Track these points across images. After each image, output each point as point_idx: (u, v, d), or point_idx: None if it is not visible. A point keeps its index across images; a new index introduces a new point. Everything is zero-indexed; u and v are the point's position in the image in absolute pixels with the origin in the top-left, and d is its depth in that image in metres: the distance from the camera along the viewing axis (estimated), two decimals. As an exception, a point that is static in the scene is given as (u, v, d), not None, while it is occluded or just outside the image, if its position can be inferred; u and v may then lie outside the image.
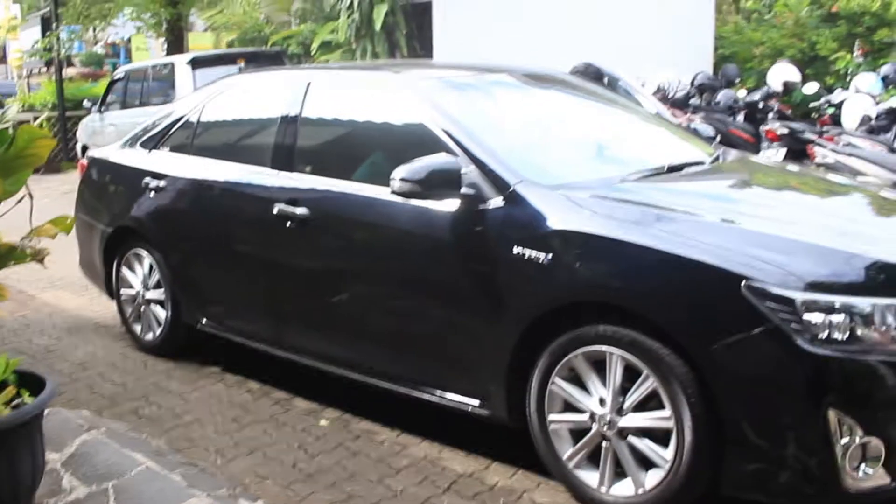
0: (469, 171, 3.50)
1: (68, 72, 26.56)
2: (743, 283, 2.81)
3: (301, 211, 4.10)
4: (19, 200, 3.62)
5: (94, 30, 26.63)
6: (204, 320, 4.85)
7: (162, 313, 5.11)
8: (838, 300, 2.78)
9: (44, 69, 23.77)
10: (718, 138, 7.59)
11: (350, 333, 4.10)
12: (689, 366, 2.91)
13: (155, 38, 18.84)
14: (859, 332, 2.77)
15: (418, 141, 3.78)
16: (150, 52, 22.76)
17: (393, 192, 3.57)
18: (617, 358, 3.07)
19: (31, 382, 3.09)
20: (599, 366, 3.15)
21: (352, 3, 11.10)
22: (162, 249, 4.98)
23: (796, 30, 13.38)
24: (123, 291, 5.39)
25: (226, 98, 4.98)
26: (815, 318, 2.76)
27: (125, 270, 5.33)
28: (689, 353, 2.91)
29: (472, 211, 3.48)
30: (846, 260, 2.98)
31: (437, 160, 3.51)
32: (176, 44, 16.63)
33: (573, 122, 4.39)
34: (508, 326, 3.35)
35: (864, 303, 2.79)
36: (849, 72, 12.49)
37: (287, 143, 4.38)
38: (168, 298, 5.03)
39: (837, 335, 2.76)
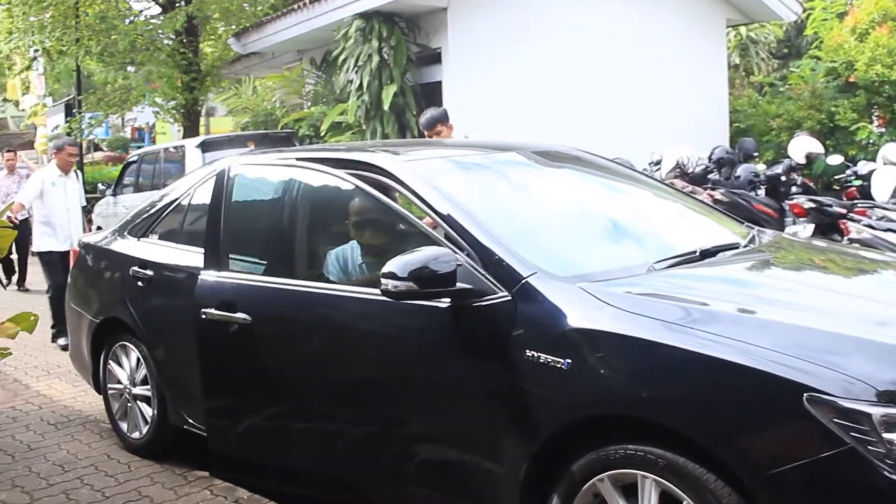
0: (467, 263, 3.06)
1: (95, 156, 26.96)
2: (805, 395, 2.31)
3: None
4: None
5: (122, 116, 27.11)
6: (190, 420, 4.49)
7: (149, 411, 4.80)
8: None
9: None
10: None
11: (348, 452, 3.59)
12: (741, 496, 2.41)
13: (172, 123, 19.03)
14: None
15: (409, 231, 3.41)
16: (173, 136, 22.98)
17: (385, 293, 3.08)
18: (651, 484, 2.58)
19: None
20: (631, 490, 2.64)
21: (361, 84, 11.04)
22: (148, 343, 4.67)
23: (813, 101, 13.10)
24: (110, 386, 5.10)
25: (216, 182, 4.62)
26: None
27: (112, 364, 5.05)
28: (742, 481, 2.40)
29: (472, 308, 3.02)
30: None
31: (430, 253, 3.01)
32: (192, 128, 16.74)
33: (590, 203, 3.94)
34: (520, 444, 2.86)
35: None
36: (870, 142, 12.19)
37: (278, 233, 4.04)
38: (154, 395, 4.71)
39: None
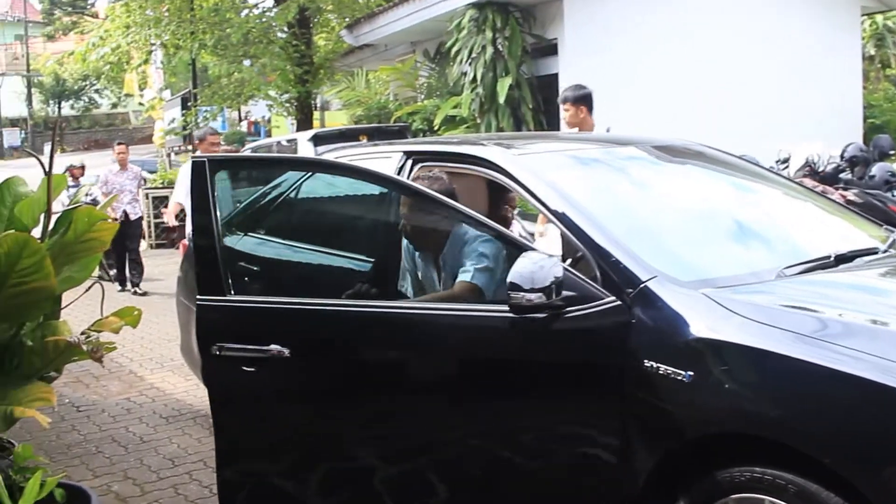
0: (564, 268, 2.80)
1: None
2: None
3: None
4: (88, 288, 3.37)
5: (239, 109, 27.87)
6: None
7: (254, 407, 4.73)
8: None
9: (186, 147, 24.89)
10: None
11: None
12: None
13: (285, 116, 19.39)
14: None
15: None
16: (288, 130, 23.53)
17: (517, 309, 2.76)
18: None
19: (77, 497, 2.84)
20: None
21: (475, 76, 10.93)
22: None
23: (957, 94, 12.43)
24: (219, 381, 5.07)
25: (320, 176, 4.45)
26: None
27: (220, 359, 5.01)
28: None
29: (579, 316, 2.76)
30: None
31: (536, 258, 2.74)
32: (305, 121, 16.95)
33: (714, 202, 3.66)
34: (638, 458, 2.67)
35: None
36: None
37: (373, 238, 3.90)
38: (261, 391, 4.64)
39: None
